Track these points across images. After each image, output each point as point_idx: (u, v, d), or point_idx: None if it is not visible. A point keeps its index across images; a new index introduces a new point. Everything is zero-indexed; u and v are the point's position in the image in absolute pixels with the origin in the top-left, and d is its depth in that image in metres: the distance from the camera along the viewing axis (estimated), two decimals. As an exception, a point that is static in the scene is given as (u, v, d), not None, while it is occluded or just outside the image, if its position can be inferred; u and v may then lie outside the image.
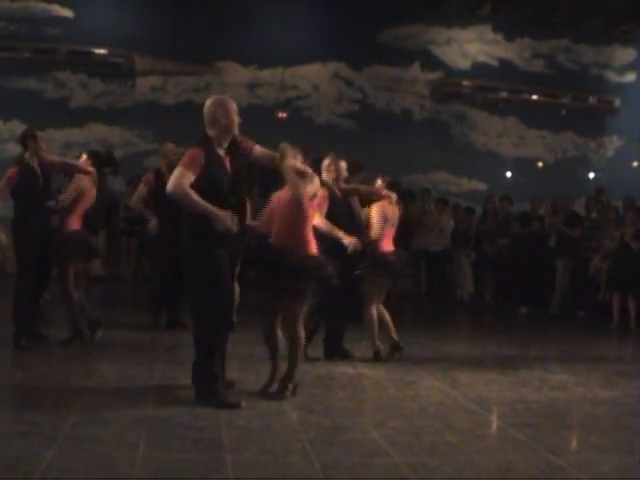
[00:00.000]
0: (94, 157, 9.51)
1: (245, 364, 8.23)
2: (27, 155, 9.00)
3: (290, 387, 6.99)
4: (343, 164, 8.93)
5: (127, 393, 6.90)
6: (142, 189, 10.44)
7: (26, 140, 9.01)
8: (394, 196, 9.19)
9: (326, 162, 8.84)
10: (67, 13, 18.08)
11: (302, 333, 7.03)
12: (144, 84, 18.40)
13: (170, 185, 6.48)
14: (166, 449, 5.32)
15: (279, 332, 7.15)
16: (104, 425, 5.82)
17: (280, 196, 7.16)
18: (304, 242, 7.00)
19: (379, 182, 9.34)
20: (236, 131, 6.82)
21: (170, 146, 10.55)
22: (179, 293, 10.28)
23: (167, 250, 9.96)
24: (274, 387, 7.06)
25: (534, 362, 9.48)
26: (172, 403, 6.56)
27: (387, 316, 9.02)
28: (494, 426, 6.66)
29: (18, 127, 16.48)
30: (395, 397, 7.33)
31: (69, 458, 5.03)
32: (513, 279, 14.92)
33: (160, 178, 10.00)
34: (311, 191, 7.00)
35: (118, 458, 5.07)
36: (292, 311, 6.95)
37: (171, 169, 9.90)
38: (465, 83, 19.46)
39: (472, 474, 5.12)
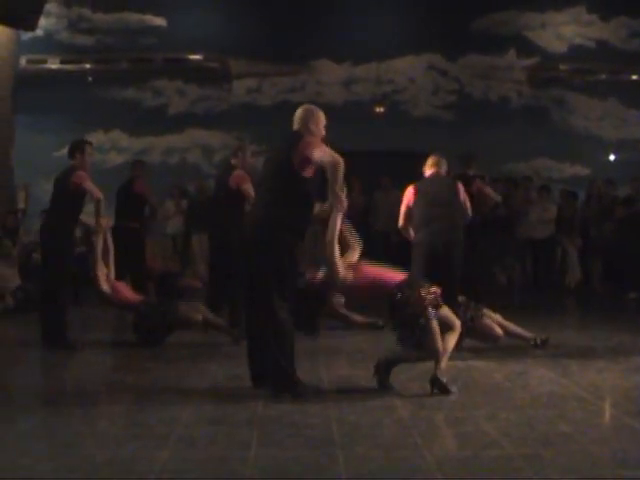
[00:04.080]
0: None
1: (354, 361, 8.26)
2: (75, 165, 9.41)
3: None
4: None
5: (237, 393, 6.98)
6: None
7: (74, 151, 9.46)
8: None
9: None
10: (161, 22, 18.40)
11: None
12: (240, 87, 18.60)
13: (331, 157, 6.70)
14: (278, 447, 5.37)
15: None
16: (216, 425, 5.90)
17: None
18: None
19: None
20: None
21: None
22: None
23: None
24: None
25: (647, 347, 9.32)
26: (282, 401, 6.61)
27: None
28: (608, 415, 6.55)
29: (119, 137, 16.93)
30: (506, 388, 7.27)
31: (183, 459, 5.12)
32: (621, 264, 14.66)
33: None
34: None
35: (231, 458, 5.13)
36: None
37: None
38: (562, 67, 19.15)
39: (587, 464, 5.04)
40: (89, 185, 9.29)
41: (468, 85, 18.97)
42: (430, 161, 9.03)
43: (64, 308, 9.37)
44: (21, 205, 16.35)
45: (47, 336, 9.20)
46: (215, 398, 6.82)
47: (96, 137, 17.79)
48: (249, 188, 9.64)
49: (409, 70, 18.81)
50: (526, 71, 19.12)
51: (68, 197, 9.33)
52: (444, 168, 9.03)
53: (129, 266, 11.89)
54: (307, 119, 7.04)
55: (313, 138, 6.91)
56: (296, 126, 7.05)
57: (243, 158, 10.22)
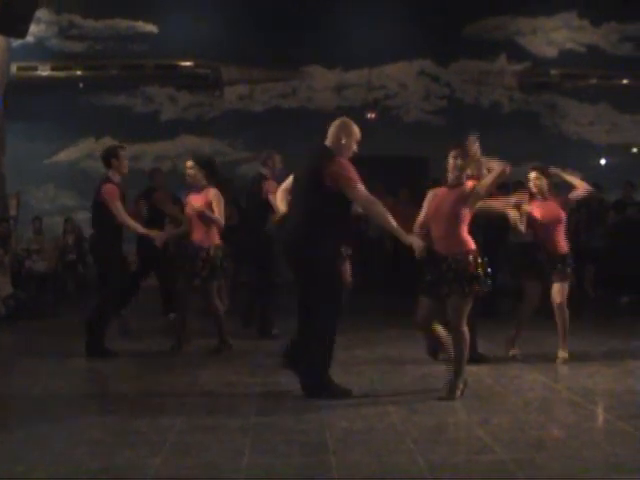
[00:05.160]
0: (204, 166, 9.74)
1: (347, 366, 8.25)
2: (110, 173, 9.23)
3: (460, 387, 7.04)
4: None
5: (230, 400, 7.00)
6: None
7: (109, 158, 9.27)
8: None
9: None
10: (152, 28, 18.38)
11: (467, 333, 7.06)
12: (231, 93, 18.58)
13: (361, 196, 6.88)
14: (271, 454, 5.38)
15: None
16: (209, 432, 5.91)
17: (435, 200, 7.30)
18: (464, 243, 7.09)
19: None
20: (349, 155, 7.13)
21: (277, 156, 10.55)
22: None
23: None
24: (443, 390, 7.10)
25: (639, 352, 9.32)
26: (275, 408, 6.63)
27: None
28: (601, 419, 6.56)
29: (110, 143, 16.82)
30: (498, 392, 7.28)
31: (176, 466, 5.14)
32: (613, 268, 14.67)
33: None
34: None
35: (224, 465, 5.15)
36: (459, 312, 6.97)
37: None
38: (553, 72, 19.15)
39: (580, 469, 5.05)
40: (116, 206, 9.08)
41: (459, 90, 18.98)
42: None
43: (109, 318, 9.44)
44: (12, 213, 16.30)
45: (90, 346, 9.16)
46: (208, 405, 6.83)
47: (87, 144, 17.86)
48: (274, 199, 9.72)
49: (400, 76, 18.82)
50: (517, 76, 19.14)
51: (105, 211, 9.15)
52: None
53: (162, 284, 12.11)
54: (339, 133, 7.11)
55: (342, 160, 6.95)
56: (328, 140, 7.11)
57: (273, 167, 10.23)
